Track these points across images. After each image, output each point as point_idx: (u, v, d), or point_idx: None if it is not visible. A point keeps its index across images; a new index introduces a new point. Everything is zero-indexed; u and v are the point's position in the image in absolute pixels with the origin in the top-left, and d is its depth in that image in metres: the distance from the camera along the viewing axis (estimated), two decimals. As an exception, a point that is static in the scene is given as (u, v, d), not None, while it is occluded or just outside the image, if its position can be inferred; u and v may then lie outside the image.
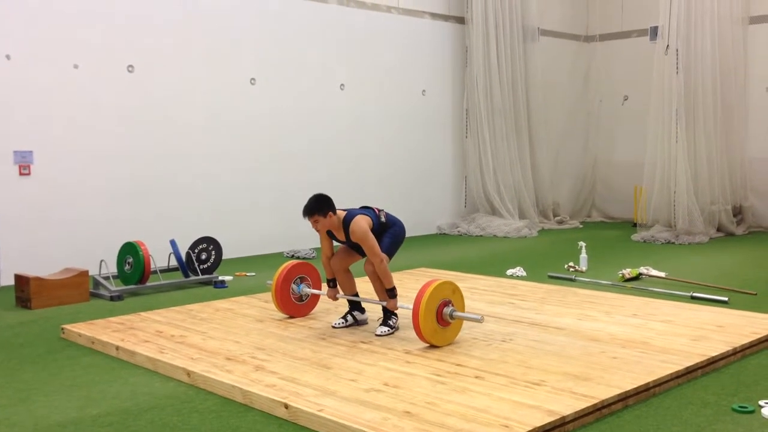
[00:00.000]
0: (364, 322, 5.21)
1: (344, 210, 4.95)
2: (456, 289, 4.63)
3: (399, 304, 4.86)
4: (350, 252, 5.06)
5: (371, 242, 4.76)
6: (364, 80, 9.99)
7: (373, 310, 5.28)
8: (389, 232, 4.97)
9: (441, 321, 4.53)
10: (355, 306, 5.20)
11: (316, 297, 5.53)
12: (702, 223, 10.06)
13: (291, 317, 5.42)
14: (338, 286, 5.17)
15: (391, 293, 4.84)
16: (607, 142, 12.85)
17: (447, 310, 4.54)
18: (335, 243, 5.07)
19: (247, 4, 8.78)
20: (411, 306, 4.53)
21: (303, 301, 5.46)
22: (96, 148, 7.67)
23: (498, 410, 3.42)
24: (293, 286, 5.39)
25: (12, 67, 7.13)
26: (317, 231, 4.91)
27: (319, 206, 4.78)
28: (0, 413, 3.70)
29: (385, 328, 4.89)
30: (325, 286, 5.28)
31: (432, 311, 4.48)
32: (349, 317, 5.18)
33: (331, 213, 4.80)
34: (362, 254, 5.01)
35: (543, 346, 4.53)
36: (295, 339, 4.79)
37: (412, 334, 4.83)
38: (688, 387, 3.95)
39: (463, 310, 4.64)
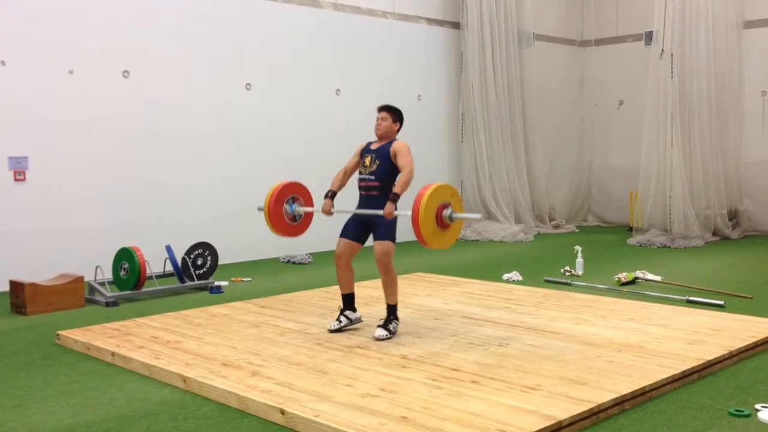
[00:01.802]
0: (358, 320, 5.20)
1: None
2: (455, 193, 4.67)
3: (397, 211, 4.80)
4: (353, 245, 5.03)
5: (409, 157, 4.87)
6: (359, 85, 10.00)
7: (367, 312, 5.26)
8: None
9: (440, 223, 4.55)
10: (347, 305, 5.19)
11: (310, 215, 5.44)
12: (698, 227, 10.08)
13: (287, 237, 5.39)
14: (341, 278, 5.12)
15: (394, 196, 4.80)
16: (603, 146, 12.88)
17: (446, 212, 4.57)
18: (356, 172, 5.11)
19: (242, 10, 8.78)
20: (408, 212, 4.52)
21: (296, 221, 5.39)
22: (91, 153, 7.66)
23: (494, 415, 3.42)
24: (285, 206, 5.30)
25: (7, 72, 7.12)
26: (376, 128, 5.03)
27: (396, 111, 5.07)
28: (-6, 420, 3.69)
29: (384, 332, 4.87)
30: (318, 204, 5.23)
31: (431, 213, 4.49)
32: (343, 318, 5.17)
33: (398, 124, 5.07)
34: (362, 242, 5.02)
35: (539, 350, 4.53)
36: (291, 344, 4.78)
37: (408, 339, 4.83)
38: (684, 391, 3.95)
39: (461, 212, 4.67)
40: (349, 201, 5.36)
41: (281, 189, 5.28)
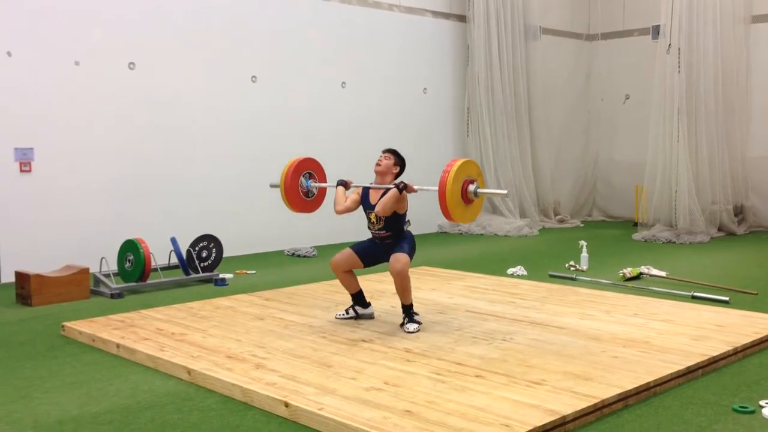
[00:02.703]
0: (368, 317, 5.22)
1: None
2: (479, 171, 4.77)
3: (418, 186, 4.84)
4: (354, 258, 5.06)
5: (393, 204, 4.79)
6: (365, 78, 9.98)
7: (382, 307, 5.27)
8: (408, 240, 4.99)
9: (465, 198, 4.63)
10: (359, 300, 5.21)
11: (323, 192, 5.50)
12: (703, 223, 10.05)
13: (301, 212, 5.46)
14: (342, 282, 5.15)
15: (400, 186, 4.81)
16: (609, 140, 12.84)
17: (472, 187, 4.64)
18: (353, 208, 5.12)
19: (248, 2, 8.77)
20: (434, 187, 4.60)
21: (310, 197, 5.43)
22: (97, 145, 7.67)
23: (498, 409, 3.42)
24: (302, 179, 5.36)
25: (13, 63, 7.13)
26: (376, 165, 5.02)
27: (400, 156, 5.10)
28: (0, 410, 3.70)
29: (415, 325, 4.90)
30: (332, 181, 5.33)
31: (458, 188, 4.57)
32: (351, 311, 5.21)
33: (399, 168, 5.08)
34: (365, 264, 5.08)
35: (543, 345, 4.53)
36: (296, 337, 4.78)
37: (413, 334, 4.83)
38: (688, 387, 3.95)
39: (483, 187, 4.73)
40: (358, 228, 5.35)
41: (298, 164, 5.34)
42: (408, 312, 4.98)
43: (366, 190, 5.09)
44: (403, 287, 4.90)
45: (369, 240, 5.13)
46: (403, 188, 4.80)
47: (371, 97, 10.07)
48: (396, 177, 5.05)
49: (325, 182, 5.49)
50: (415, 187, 4.83)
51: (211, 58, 8.49)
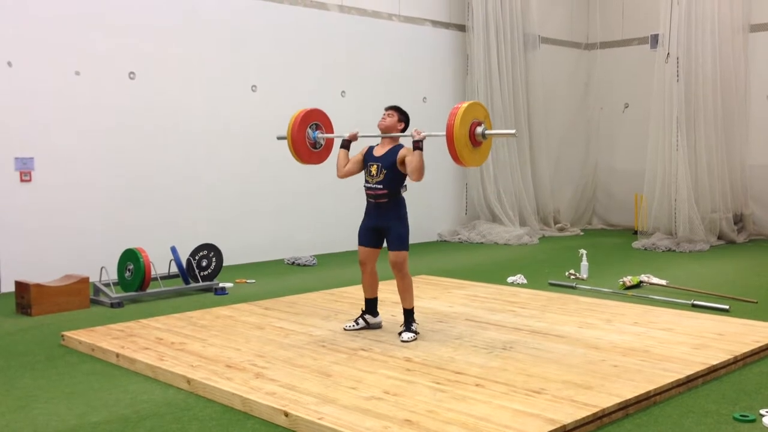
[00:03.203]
0: (377, 326, 5.23)
1: None
2: (486, 114, 4.73)
3: (426, 132, 4.85)
4: (373, 251, 5.04)
5: (422, 163, 4.77)
6: (365, 87, 10.01)
7: (388, 318, 5.27)
8: (401, 214, 4.95)
9: (473, 141, 4.60)
10: (369, 309, 5.22)
11: (331, 142, 5.48)
12: (703, 231, 10.05)
13: (309, 164, 5.44)
14: (364, 283, 5.15)
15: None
16: (608, 149, 12.86)
17: (479, 129, 4.61)
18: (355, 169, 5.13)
19: (248, 12, 8.80)
20: (442, 133, 4.58)
21: (317, 148, 5.42)
22: (97, 154, 7.68)
23: (498, 418, 3.42)
24: (308, 130, 5.33)
25: (13, 73, 7.15)
26: (380, 122, 5.02)
27: (403, 112, 5.07)
28: (-1, 420, 3.70)
29: (410, 334, 4.89)
30: (339, 133, 5.35)
31: (465, 130, 4.54)
32: (361, 321, 5.21)
33: (403, 123, 5.05)
34: (380, 246, 5.04)
35: (543, 354, 4.53)
36: (295, 346, 4.78)
37: (412, 342, 4.82)
38: (689, 395, 3.94)
39: (491, 128, 4.72)
40: (361, 201, 5.36)
41: (304, 115, 5.30)
42: (408, 319, 4.97)
43: (371, 147, 5.08)
44: (404, 287, 4.91)
45: (364, 218, 5.07)
46: (421, 144, 4.79)
47: (371, 105, 10.04)
48: (402, 132, 5.05)
49: (332, 131, 5.46)
50: (423, 134, 4.83)
51: (211, 67, 8.51)
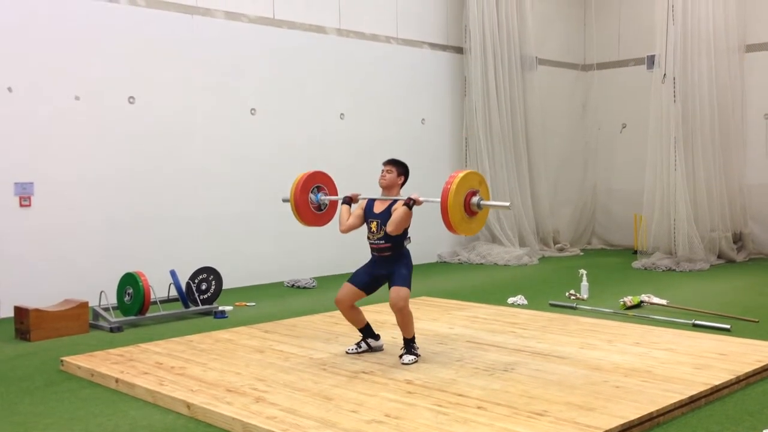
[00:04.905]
0: (379, 349, 5.22)
1: None
2: (482, 181, 4.71)
3: (423, 198, 4.83)
4: (355, 290, 5.03)
5: (405, 221, 4.80)
6: (363, 110, 10.05)
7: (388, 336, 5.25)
8: (405, 263, 4.96)
9: (468, 211, 4.59)
10: (368, 333, 5.21)
11: (335, 204, 5.52)
12: (702, 250, 10.05)
13: (313, 226, 5.49)
14: (348, 318, 5.14)
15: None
16: (606, 169, 12.89)
17: (475, 199, 4.61)
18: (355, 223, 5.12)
19: (247, 36, 8.86)
20: (438, 199, 4.56)
21: (321, 210, 5.46)
22: (96, 179, 7.69)
23: (501, 441, 3.39)
24: (311, 195, 5.38)
25: (13, 99, 7.18)
26: (381, 179, 5.03)
27: (402, 165, 5.07)
28: (-2, 447, 3.67)
29: (411, 357, 4.87)
30: (342, 193, 5.37)
31: (460, 201, 4.53)
32: (363, 344, 5.21)
33: (404, 177, 5.06)
34: (368, 293, 5.05)
35: (545, 375, 4.51)
36: (296, 370, 4.76)
37: (413, 364, 4.80)
38: (692, 416, 3.92)
39: (488, 199, 4.71)
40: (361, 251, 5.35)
41: (306, 179, 5.37)
42: (408, 345, 4.96)
43: (371, 201, 5.09)
44: (404, 323, 4.88)
45: (367, 263, 5.09)
46: (413, 204, 4.81)
47: (370, 128, 10.13)
48: (402, 186, 5.07)
49: (336, 193, 5.53)
50: (421, 199, 4.83)
51: (210, 91, 8.55)
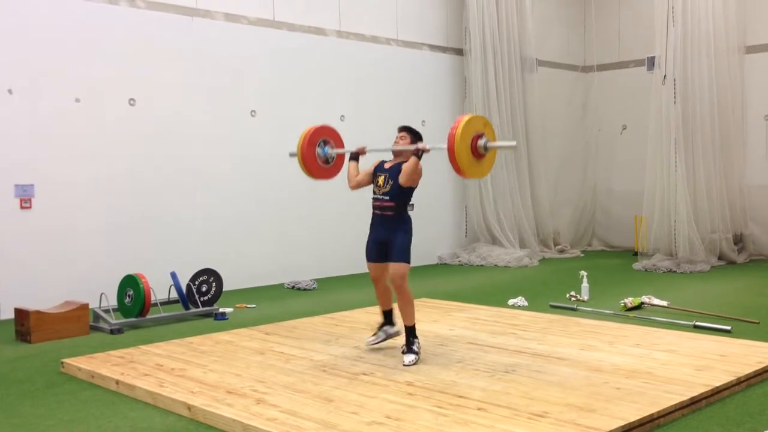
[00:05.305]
0: (396, 334, 5.30)
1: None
2: (487, 123, 4.76)
3: (430, 145, 4.90)
4: (381, 265, 5.06)
5: (416, 172, 4.87)
6: (364, 111, 10.05)
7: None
8: (404, 231, 4.98)
9: (476, 153, 4.63)
10: (388, 320, 5.31)
11: (342, 157, 5.56)
12: (703, 252, 10.05)
13: (321, 179, 5.54)
14: (377, 296, 5.23)
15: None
16: (607, 171, 12.89)
17: (481, 141, 4.66)
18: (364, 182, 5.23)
19: (247, 37, 8.86)
20: (444, 145, 4.60)
21: (329, 163, 5.50)
22: (97, 181, 7.69)
23: (501, 443, 3.39)
24: (318, 150, 5.40)
25: (14, 100, 7.18)
26: (396, 145, 5.08)
27: (415, 132, 5.11)
28: (-2, 449, 3.67)
29: (412, 356, 4.88)
30: (348, 147, 5.43)
31: (467, 144, 4.57)
32: (381, 333, 5.30)
33: (417, 141, 5.07)
34: (386, 260, 5.06)
35: (546, 376, 4.50)
36: (296, 371, 4.76)
37: (414, 365, 4.80)
38: (692, 418, 3.92)
39: (494, 141, 4.75)
40: (362, 223, 5.36)
41: (312, 133, 5.39)
42: (409, 337, 4.97)
43: (382, 162, 5.16)
44: (403, 303, 4.92)
45: (370, 230, 5.12)
46: (422, 154, 4.86)
47: (370, 129, 10.11)
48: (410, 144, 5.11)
49: (342, 147, 5.56)
50: (429, 147, 4.89)
51: (211, 93, 8.55)
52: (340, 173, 5.65)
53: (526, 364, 4.83)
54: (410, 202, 5.04)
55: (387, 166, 5.10)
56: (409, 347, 4.94)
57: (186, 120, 8.35)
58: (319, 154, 5.42)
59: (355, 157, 5.30)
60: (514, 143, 5.10)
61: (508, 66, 11.33)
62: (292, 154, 5.49)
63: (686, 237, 10.01)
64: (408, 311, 4.95)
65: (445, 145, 4.61)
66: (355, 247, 9.38)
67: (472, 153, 4.63)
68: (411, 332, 4.99)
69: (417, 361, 4.87)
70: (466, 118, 4.64)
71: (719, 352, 5.03)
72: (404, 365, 4.82)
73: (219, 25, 8.61)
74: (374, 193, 5.08)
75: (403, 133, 5.14)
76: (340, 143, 5.56)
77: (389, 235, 4.97)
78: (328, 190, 9.56)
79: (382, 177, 5.03)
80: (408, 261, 4.94)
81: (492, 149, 4.76)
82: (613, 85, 12.76)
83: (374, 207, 5.08)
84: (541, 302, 7.44)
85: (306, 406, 4.02)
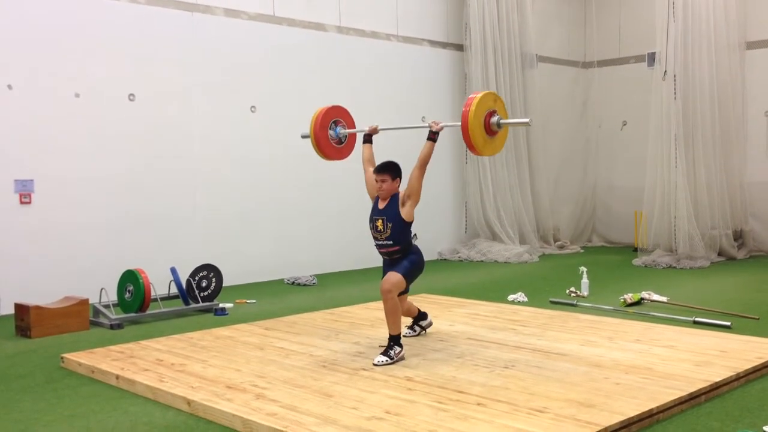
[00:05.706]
0: (429, 325, 5.52)
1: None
2: (497, 99, 4.80)
3: (443, 123, 4.96)
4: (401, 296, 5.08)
5: (431, 152, 4.92)
6: (364, 107, 9.99)
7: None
8: (410, 257, 4.98)
9: (489, 131, 4.68)
10: (420, 318, 5.46)
11: (353, 136, 5.62)
12: (703, 248, 10.05)
13: (334, 160, 5.62)
14: (404, 314, 5.24)
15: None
16: (607, 167, 12.89)
17: (494, 119, 4.70)
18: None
19: (247, 33, 8.85)
20: (458, 123, 4.67)
21: (342, 144, 5.54)
22: (97, 176, 7.69)
23: (501, 438, 3.40)
24: (330, 131, 5.44)
25: (13, 96, 7.18)
26: (378, 192, 5.00)
27: (392, 169, 4.99)
28: (-2, 444, 3.67)
29: (383, 358, 4.80)
30: (360, 126, 5.52)
31: (480, 123, 4.62)
32: (417, 327, 5.46)
33: (398, 179, 5.02)
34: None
35: (545, 372, 4.51)
36: (296, 367, 4.76)
37: (414, 361, 4.81)
38: (691, 413, 3.92)
39: (506, 118, 4.78)
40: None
41: (324, 115, 5.45)
42: (388, 344, 4.86)
43: (376, 199, 5.09)
44: (388, 311, 4.81)
45: (383, 264, 5.11)
46: (437, 137, 4.90)
47: (371, 125, 10.10)
48: (399, 185, 5.03)
49: (353, 126, 5.62)
50: (441, 124, 4.93)
51: (211, 89, 8.55)
52: (352, 153, 5.72)
53: (526, 359, 4.83)
54: (413, 234, 5.01)
55: (381, 206, 4.98)
56: (386, 351, 4.83)
57: (186, 115, 8.35)
58: (332, 135, 5.48)
59: (368, 138, 5.34)
60: (527, 120, 5.03)
61: (509, 62, 11.32)
62: (304, 136, 5.52)
63: (686, 233, 10.01)
64: (391, 320, 4.84)
65: (459, 123, 4.67)
66: (354, 243, 9.37)
67: (485, 131, 4.68)
68: (394, 340, 4.85)
69: (386, 363, 4.73)
70: (479, 96, 4.67)
71: (719, 348, 5.04)
72: (373, 364, 4.74)
73: (219, 21, 8.60)
74: (375, 239, 4.99)
75: (382, 176, 4.95)
76: (351, 123, 5.58)
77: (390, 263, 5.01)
78: (327, 186, 9.57)
79: (380, 221, 4.93)
80: (405, 278, 4.88)
81: (505, 126, 4.77)
82: (613, 81, 12.75)
83: (381, 252, 5.03)
84: (541, 298, 7.45)
85: (306, 401, 4.02)
